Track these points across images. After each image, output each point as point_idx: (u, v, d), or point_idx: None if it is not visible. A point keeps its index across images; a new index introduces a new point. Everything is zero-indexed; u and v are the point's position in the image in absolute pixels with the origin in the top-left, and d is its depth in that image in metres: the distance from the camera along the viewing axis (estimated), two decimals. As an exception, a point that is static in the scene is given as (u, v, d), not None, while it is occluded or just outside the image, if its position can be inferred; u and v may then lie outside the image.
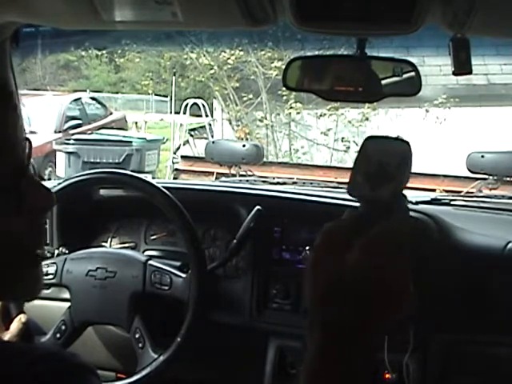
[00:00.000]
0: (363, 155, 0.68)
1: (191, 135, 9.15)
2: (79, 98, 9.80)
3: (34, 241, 0.70)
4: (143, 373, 1.48)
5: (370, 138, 0.70)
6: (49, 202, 0.71)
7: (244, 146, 2.41)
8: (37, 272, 0.72)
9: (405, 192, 0.69)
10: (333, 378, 0.64)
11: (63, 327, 1.54)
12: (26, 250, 0.68)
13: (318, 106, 7.97)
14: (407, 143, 0.68)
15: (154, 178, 5.74)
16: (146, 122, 10.56)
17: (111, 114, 10.42)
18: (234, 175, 2.48)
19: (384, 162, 0.66)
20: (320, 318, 0.65)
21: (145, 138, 8.30)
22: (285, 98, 8.02)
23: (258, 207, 1.56)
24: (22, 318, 1.25)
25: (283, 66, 1.29)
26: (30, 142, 0.70)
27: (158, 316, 1.57)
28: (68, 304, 1.56)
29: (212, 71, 8.79)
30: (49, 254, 1.66)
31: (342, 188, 1.80)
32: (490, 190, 2.13)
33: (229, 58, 8.36)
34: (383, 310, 0.64)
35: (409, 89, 1.22)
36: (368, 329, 0.64)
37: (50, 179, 6.49)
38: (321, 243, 0.68)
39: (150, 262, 1.54)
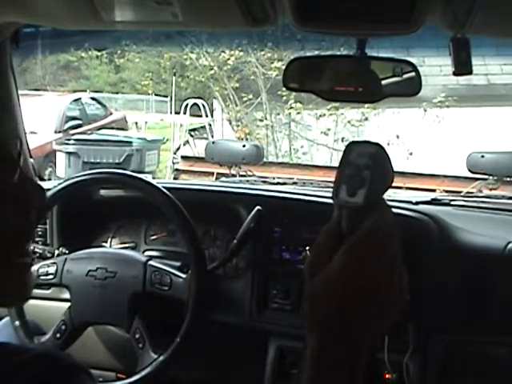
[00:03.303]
0: (344, 161, 0.69)
1: (191, 135, 9.15)
2: (79, 98, 9.79)
3: (22, 240, 0.67)
4: (143, 373, 1.48)
5: (351, 144, 0.71)
6: (41, 200, 0.68)
7: (244, 146, 2.41)
8: (25, 275, 0.68)
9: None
10: (332, 379, 0.65)
11: (63, 327, 1.54)
12: (13, 249, 0.65)
13: (317, 106, 7.96)
14: (383, 148, 0.69)
15: (154, 178, 5.74)
16: (146, 123, 10.57)
17: (111, 114, 10.41)
18: (234, 175, 2.48)
19: (360, 167, 0.67)
20: (316, 319, 0.66)
21: (145, 138, 8.30)
22: (285, 98, 8.02)
23: (258, 207, 1.56)
24: None
25: (283, 67, 1.29)
26: (21, 141, 0.68)
27: (158, 316, 1.57)
28: (68, 304, 1.56)
29: (212, 71, 8.79)
30: (49, 254, 1.67)
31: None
32: (490, 190, 2.13)
33: (229, 59, 8.36)
34: (374, 309, 0.65)
35: (409, 89, 1.22)
36: (363, 329, 0.65)
37: (50, 179, 6.49)
38: (315, 244, 0.70)
39: (150, 262, 1.54)
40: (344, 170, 0.68)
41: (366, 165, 0.67)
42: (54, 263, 1.57)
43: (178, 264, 1.57)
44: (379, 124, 8.06)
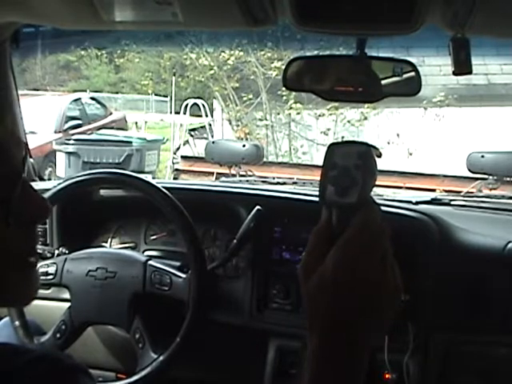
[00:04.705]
0: (328, 162, 0.69)
1: (191, 135, 9.15)
2: (79, 98, 9.79)
3: (26, 250, 0.68)
4: (143, 373, 1.48)
5: (333, 145, 0.71)
6: (43, 212, 0.68)
7: (244, 146, 2.41)
8: (29, 280, 0.69)
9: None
10: (332, 379, 0.65)
11: (63, 327, 1.54)
12: (17, 259, 0.66)
13: (317, 106, 7.97)
14: (369, 146, 0.70)
15: (154, 178, 5.74)
16: (146, 122, 10.57)
17: (111, 114, 10.41)
18: (234, 175, 2.48)
19: (347, 166, 0.68)
20: (316, 319, 0.66)
21: (145, 138, 8.30)
22: (285, 98, 8.03)
23: (258, 207, 1.56)
24: None
25: (283, 66, 1.29)
26: (26, 146, 0.67)
27: (158, 316, 1.57)
28: (68, 304, 1.56)
29: (212, 71, 8.80)
30: (49, 254, 1.67)
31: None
32: (490, 190, 2.13)
33: (228, 59, 8.37)
34: (370, 307, 0.66)
35: (409, 89, 1.22)
36: (362, 328, 0.65)
37: (50, 179, 6.49)
38: (307, 246, 0.71)
39: (150, 262, 1.54)
40: (330, 172, 0.69)
41: (356, 165, 0.68)
42: (54, 263, 1.57)
43: (177, 264, 1.57)
44: (379, 123, 8.06)
